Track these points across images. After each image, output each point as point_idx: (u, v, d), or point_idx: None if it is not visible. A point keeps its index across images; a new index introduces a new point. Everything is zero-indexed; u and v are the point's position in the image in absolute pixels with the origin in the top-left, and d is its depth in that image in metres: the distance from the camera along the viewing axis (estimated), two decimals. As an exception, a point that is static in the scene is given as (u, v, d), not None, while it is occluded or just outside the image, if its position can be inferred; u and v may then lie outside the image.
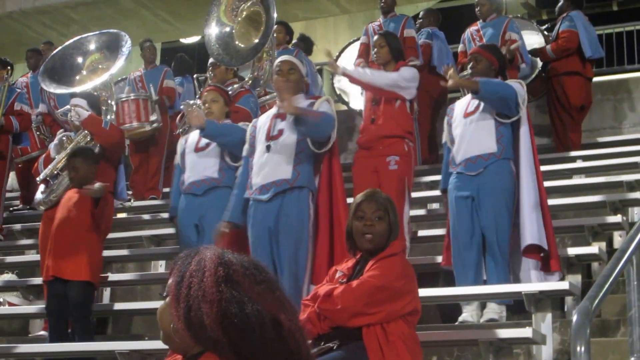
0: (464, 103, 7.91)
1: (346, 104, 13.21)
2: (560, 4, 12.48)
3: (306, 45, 13.56)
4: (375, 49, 9.06)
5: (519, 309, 7.39)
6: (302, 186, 6.98)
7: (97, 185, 8.01)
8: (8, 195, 12.60)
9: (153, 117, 11.63)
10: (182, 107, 9.46)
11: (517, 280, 7.43)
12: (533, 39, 12.51)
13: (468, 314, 7.39)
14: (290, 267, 6.80)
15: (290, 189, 6.94)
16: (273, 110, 7.30)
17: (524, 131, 7.54)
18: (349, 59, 12.83)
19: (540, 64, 12.27)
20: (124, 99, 11.70)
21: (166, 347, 2.88)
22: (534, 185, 7.39)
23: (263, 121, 7.30)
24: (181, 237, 8.24)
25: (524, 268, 7.39)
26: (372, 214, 5.41)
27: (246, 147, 7.35)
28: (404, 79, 8.78)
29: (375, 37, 9.35)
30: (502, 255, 7.35)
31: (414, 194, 9.43)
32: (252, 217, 7.08)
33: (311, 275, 6.80)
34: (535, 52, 12.13)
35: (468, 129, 7.69)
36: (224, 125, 7.94)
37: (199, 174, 8.11)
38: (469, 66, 7.98)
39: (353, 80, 8.93)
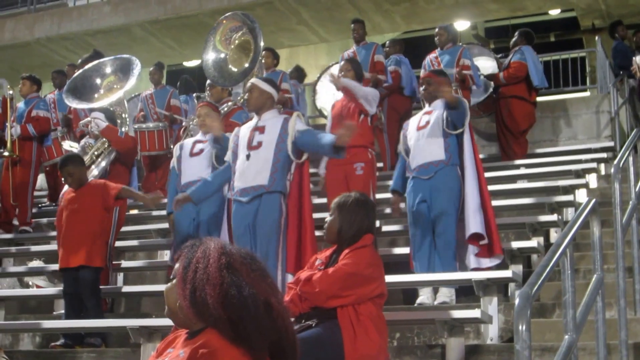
0: (417, 118, 7.95)
1: (325, 117, 13.27)
2: (514, 38, 12.57)
3: (299, 74, 13.86)
4: (343, 72, 9.12)
5: (465, 291, 7.45)
6: (275, 190, 6.91)
7: (151, 196, 8.27)
8: (38, 193, 12.75)
9: (171, 145, 11.91)
10: (184, 122, 9.43)
11: (463, 266, 7.47)
12: (488, 64, 12.64)
13: (425, 296, 7.41)
14: (263, 259, 6.76)
15: (266, 193, 6.90)
16: (252, 123, 7.24)
17: (467, 141, 7.52)
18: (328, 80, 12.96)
19: (492, 86, 12.36)
20: (144, 129, 11.96)
21: (171, 324, 2.89)
22: (476, 186, 7.40)
23: (244, 132, 7.21)
24: (178, 228, 8.20)
25: (468, 256, 7.43)
26: (330, 213, 5.49)
27: (229, 153, 7.30)
28: (373, 96, 8.84)
29: (342, 63, 9.44)
30: (448, 246, 7.38)
31: (382, 195, 9.45)
32: (233, 215, 7.05)
33: (284, 264, 6.80)
34: (490, 77, 12.27)
35: (420, 140, 7.71)
36: (225, 137, 7.91)
37: (194, 175, 8.13)
38: (422, 89, 7.98)
39: (347, 89, 8.87)
